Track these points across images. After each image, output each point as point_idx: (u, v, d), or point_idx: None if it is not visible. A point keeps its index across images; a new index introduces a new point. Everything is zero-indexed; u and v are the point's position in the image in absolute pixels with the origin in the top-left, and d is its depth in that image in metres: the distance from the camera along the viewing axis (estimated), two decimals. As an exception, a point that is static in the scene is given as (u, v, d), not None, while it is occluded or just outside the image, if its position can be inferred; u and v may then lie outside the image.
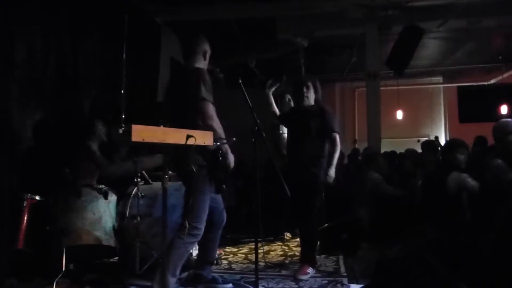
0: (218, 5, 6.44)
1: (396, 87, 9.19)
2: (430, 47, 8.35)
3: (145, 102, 5.95)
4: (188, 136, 2.00)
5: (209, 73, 3.12)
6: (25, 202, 3.37)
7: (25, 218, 3.35)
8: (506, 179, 3.19)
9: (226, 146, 2.92)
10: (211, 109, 2.87)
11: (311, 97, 3.96)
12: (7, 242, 3.23)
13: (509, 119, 3.60)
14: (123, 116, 3.54)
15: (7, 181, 3.55)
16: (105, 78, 5.06)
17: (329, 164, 3.78)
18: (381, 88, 7.26)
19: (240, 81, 2.75)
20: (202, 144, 2.11)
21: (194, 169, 2.78)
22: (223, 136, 2.85)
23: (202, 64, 3.11)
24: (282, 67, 9.14)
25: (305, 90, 3.92)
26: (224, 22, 6.89)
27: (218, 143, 2.74)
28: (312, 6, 6.52)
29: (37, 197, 3.44)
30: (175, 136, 1.99)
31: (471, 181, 3.75)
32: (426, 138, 10.42)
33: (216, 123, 2.86)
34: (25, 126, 3.88)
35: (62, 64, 4.42)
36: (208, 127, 2.75)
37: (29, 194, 3.41)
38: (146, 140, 1.84)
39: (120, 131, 2.26)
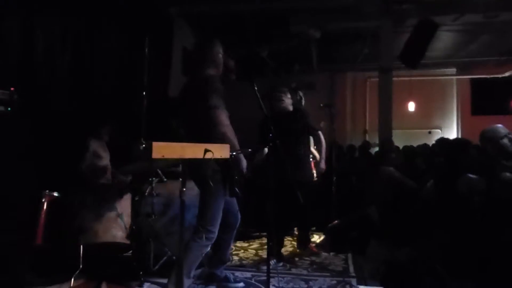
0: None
1: (408, 78, 9.10)
2: (444, 39, 8.24)
3: (157, 95, 5.97)
4: (206, 151, 2.04)
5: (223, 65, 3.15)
6: (44, 199, 3.47)
7: (44, 214, 3.44)
8: None
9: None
10: (223, 116, 2.86)
11: (287, 102, 4.30)
12: (27, 238, 3.34)
13: (498, 125, 3.69)
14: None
15: (25, 178, 3.65)
16: (120, 74, 5.10)
17: (321, 158, 4.43)
18: (393, 79, 7.19)
19: (256, 88, 2.74)
20: (219, 157, 2.15)
21: (209, 174, 2.83)
22: (236, 143, 2.87)
23: (214, 70, 3.08)
24: (294, 57, 9.12)
25: (282, 95, 4.27)
26: (237, 13, 6.86)
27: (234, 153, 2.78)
28: (326, -1, 6.48)
29: (55, 194, 3.53)
30: (193, 151, 2.03)
31: (482, 184, 3.76)
32: (438, 130, 10.44)
33: (229, 130, 2.86)
34: (41, 123, 3.96)
35: (77, 62, 4.48)
36: (221, 135, 2.78)
37: (47, 191, 3.50)
38: (165, 157, 1.88)
39: (141, 147, 2.33)
